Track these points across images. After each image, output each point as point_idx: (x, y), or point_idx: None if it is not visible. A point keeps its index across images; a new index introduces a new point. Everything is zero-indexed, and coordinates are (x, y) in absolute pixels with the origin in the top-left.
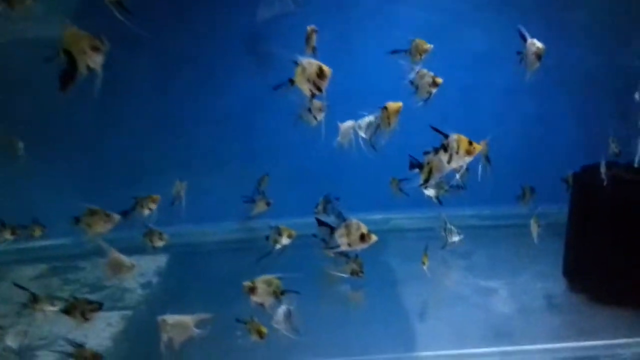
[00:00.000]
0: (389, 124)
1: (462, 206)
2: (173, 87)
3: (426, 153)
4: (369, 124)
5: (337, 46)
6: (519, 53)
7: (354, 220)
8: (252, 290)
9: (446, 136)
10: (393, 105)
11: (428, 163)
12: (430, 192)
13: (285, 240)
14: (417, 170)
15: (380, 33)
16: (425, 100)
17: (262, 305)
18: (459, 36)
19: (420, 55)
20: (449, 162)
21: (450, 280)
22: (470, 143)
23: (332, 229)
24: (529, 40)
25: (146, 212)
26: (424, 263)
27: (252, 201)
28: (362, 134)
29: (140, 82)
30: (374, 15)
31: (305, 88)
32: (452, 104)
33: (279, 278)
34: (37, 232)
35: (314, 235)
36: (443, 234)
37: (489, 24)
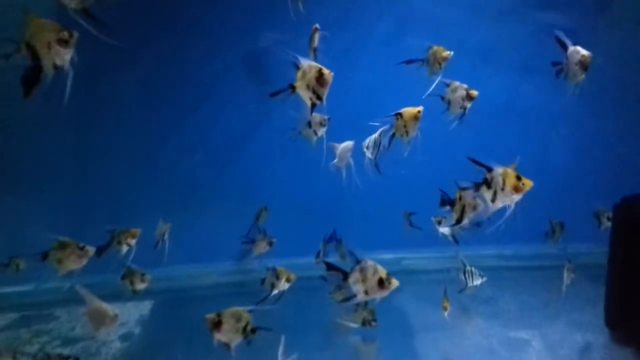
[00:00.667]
0: (407, 132)
1: (483, 244)
2: (160, 114)
3: (464, 189)
4: (376, 142)
5: (345, 60)
6: (555, 64)
7: (369, 262)
8: (217, 325)
9: (489, 169)
10: (410, 110)
11: (461, 199)
12: (445, 230)
13: (283, 285)
14: (448, 207)
15: (395, 41)
16: (461, 118)
17: (227, 346)
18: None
19: (440, 64)
20: (493, 200)
21: (474, 330)
22: (519, 178)
23: (345, 275)
24: (571, 47)
25: (124, 248)
26: (445, 308)
27: (252, 242)
28: (368, 154)
29: (125, 107)
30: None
31: (306, 95)
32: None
33: (251, 311)
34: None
35: (322, 278)
36: (462, 277)
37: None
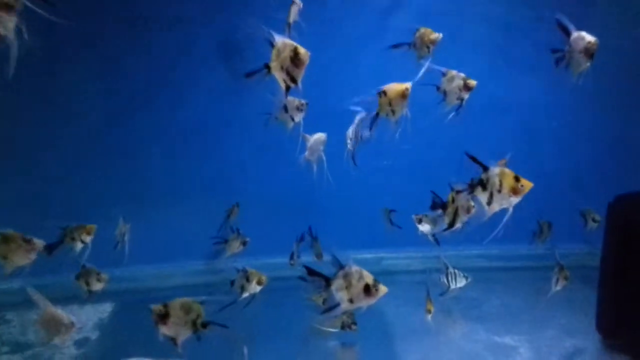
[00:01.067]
0: (393, 112)
1: (467, 244)
2: (121, 102)
3: (458, 191)
4: (354, 132)
5: (327, 42)
6: (555, 52)
7: (354, 267)
8: (163, 317)
9: (485, 168)
10: (395, 87)
11: (453, 202)
12: (424, 227)
13: (254, 287)
14: (439, 211)
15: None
16: (457, 110)
17: (173, 340)
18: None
19: (428, 47)
20: (489, 202)
21: (458, 334)
22: (518, 179)
23: (327, 281)
24: (575, 33)
25: (79, 246)
26: (429, 311)
27: (224, 241)
28: (349, 145)
29: (82, 95)
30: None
31: (280, 77)
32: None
33: (202, 303)
34: None
35: (301, 279)
36: (444, 280)
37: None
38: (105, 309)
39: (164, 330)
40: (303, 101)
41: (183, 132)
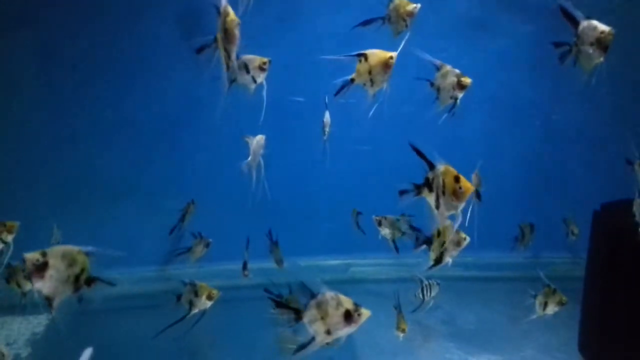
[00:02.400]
0: (372, 82)
1: None
2: (66, 94)
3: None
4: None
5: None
6: (559, 45)
7: (328, 294)
8: (40, 270)
9: (431, 165)
10: (379, 54)
11: (439, 235)
12: (385, 231)
13: (203, 303)
14: (424, 247)
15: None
16: (451, 111)
17: (49, 301)
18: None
19: (405, 21)
20: (437, 206)
21: (430, 354)
22: (458, 179)
23: (298, 313)
24: (584, 22)
25: None
26: (402, 330)
27: (188, 250)
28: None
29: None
30: None
31: (220, 43)
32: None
33: (89, 254)
34: None
35: (267, 292)
36: (419, 294)
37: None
38: (40, 321)
39: (40, 285)
40: (266, 59)
41: (132, 130)
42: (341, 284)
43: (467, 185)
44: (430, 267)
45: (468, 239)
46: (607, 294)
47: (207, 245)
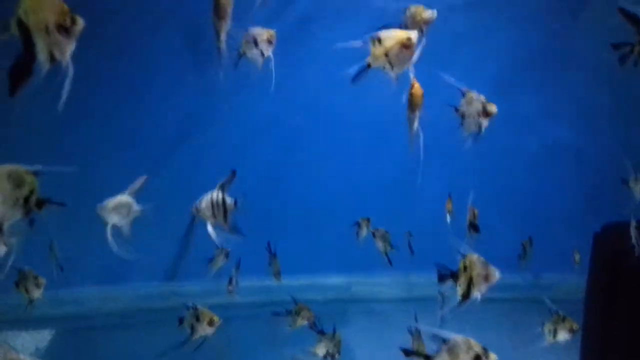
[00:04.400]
0: (391, 65)
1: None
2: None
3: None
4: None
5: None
6: (619, 47)
7: (459, 338)
8: None
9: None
10: (394, 34)
11: (466, 269)
12: (379, 244)
13: (204, 328)
14: (450, 282)
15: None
16: (476, 137)
17: None
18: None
19: (422, 29)
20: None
21: None
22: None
23: (429, 358)
24: None
25: (2, 250)
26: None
27: (210, 260)
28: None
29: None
30: None
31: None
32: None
33: (37, 173)
34: None
35: (276, 314)
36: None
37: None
38: (43, 336)
39: None
40: (272, 30)
41: (139, 140)
42: (343, 303)
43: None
44: (459, 304)
45: (498, 273)
46: (608, 316)
47: (227, 254)
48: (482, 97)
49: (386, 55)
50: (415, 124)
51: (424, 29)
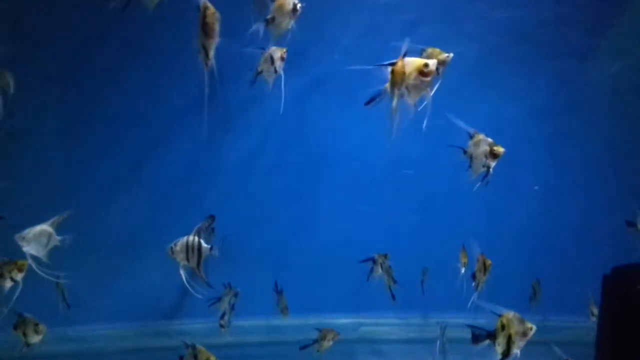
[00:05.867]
0: (408, 91)
1: (453, 311)
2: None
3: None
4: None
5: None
6: None
7: None
8: None
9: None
10: (410, 62)
11: (504, 328)
12: (377, 270)
13: None
14: (486, 342)
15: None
16: (484, 180)
17: None
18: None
19: (438, 70)
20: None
21: None
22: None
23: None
24: None
25: (8, 284)
26: None
27: (218, 300)
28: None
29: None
30: None
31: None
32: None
33: None
34: None
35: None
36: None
37: None
38: None
39: None
40: (284, 49)
41: (136, 184)
42: (351, 344)
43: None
44: None
45: (534, 328)
46: (619, 358)
47: (236, 295)
48: (489, 139)
49: (402, 80)
50: (395, 102)
51: (441, 70)
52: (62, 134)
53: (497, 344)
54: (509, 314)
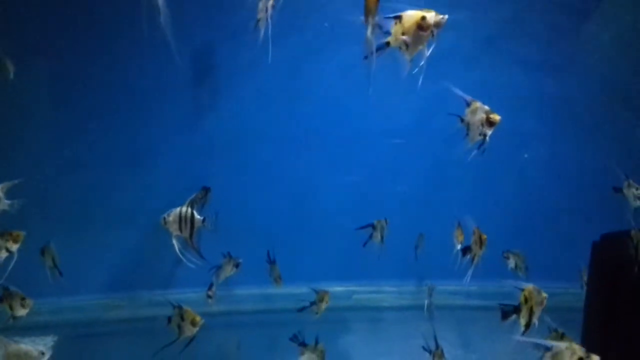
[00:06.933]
0: (405, 44)
1: (444, 279)
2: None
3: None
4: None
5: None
6: None
7: (562, 344)
8: None
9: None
10: (411, 14)
11: (527, 301)
12: (377, 236)
13: (189, 329)
14: (513, 317)
15: None
16: (480, 148)
17: None
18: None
19: (433, 32)
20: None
21: None
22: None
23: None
24: None
25: (3, 254)
26: None
27: (217, 267)
28: None
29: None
30: None
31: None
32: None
33: None
34: None
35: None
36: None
37: None
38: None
39: None
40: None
41: (128, 155)
42: (344, 311)
43: None
44: (523, 333)
45: (546, 295)
46: (608, 325)
47: (237, 265)
48: (486, 107)
49: (403, 34)
50: (369, 30)
51: (435, 32)
52: (54, 105)
53: (521, 317)
54: (529, 287)
